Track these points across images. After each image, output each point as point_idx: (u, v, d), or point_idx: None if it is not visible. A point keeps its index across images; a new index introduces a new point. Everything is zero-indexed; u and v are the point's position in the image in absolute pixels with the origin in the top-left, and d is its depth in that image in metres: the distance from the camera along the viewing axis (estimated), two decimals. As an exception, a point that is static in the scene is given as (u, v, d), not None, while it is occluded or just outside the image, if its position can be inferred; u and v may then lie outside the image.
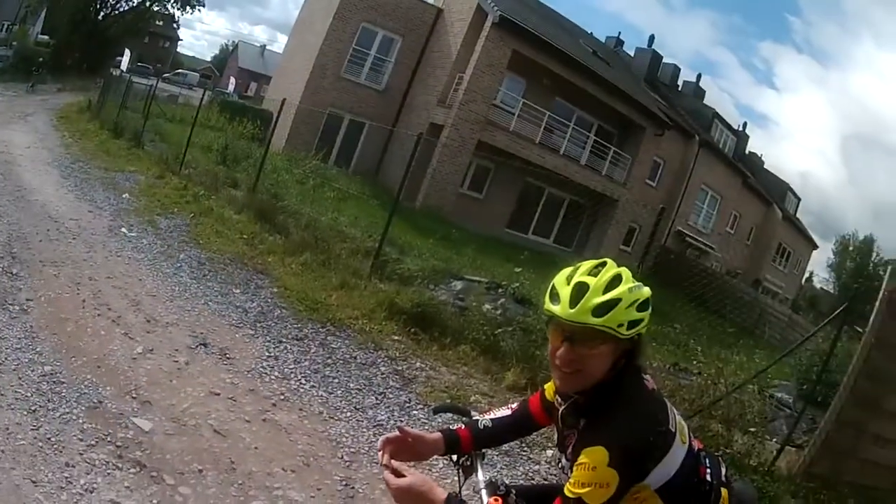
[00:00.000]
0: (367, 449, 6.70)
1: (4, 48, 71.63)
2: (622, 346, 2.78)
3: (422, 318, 10.63)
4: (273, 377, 8.09)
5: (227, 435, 6.50)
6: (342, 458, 6.49)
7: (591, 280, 2.80)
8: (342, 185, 20.20)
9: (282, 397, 7.60)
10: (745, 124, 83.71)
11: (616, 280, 2.79)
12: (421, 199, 31.07)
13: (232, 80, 72.42)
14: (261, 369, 8.23)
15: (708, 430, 8.89)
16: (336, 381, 8.35)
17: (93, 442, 5.98)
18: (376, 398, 8.04)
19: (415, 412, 7.88)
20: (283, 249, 13.39)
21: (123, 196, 16.56)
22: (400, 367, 9.16)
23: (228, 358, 8.37)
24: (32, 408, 6.34)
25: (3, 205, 13.56)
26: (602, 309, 2.73)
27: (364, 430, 7.14)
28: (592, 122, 37.50)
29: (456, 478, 3.31)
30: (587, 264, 2.89)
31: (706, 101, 54.16)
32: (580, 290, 2.78)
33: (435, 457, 3.38)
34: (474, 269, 14.26)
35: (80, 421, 6.27)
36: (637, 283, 2.78)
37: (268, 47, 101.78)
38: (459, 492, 3.16)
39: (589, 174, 35.85)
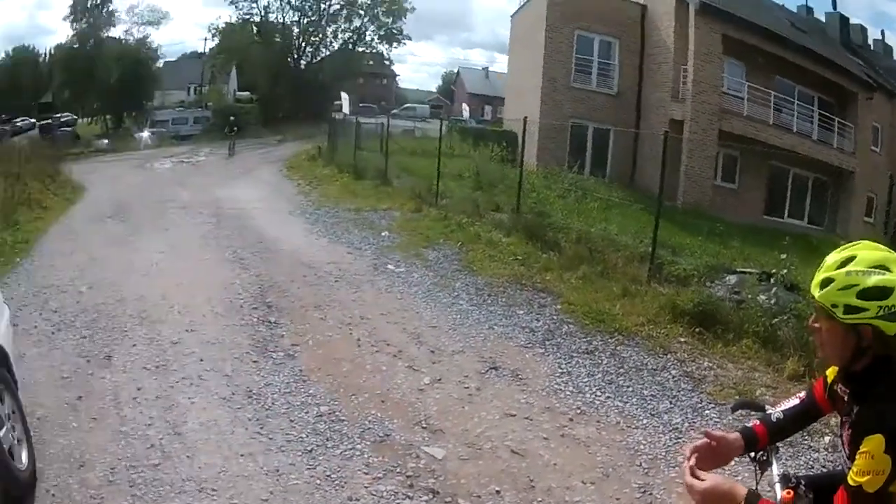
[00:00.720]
0: (664, 454, 6.62)
1: (200, 109, 75.30)
2: (857, 333, 2.74)
3: (703, 317, 10.45)
4: (568, 392, 8.12)
5: (524, 454, 6.56)
6: (640, 465, 6.43)
7: (830, 257, 2.86)
8: (602, 194, 20.16)
9: (578, 411, 7.60)
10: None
11: (846, 262, 2.78)
12: (680, 197, 30.81)
13: (465, 106, 73.16)
14: (555, 386, 8.28)
15: None
16: (630, 389, 8.31)
17: (380, 475, 6.18)
18: (669, 402, 7.94)
19: (707, 412, 7.75)
20: (558, 265, 13.40)
21: (382, 234, 17.06)
22: (689, 369, 9.03)
23: (521, 378, 8.45)
24: (308, 448, 6.62)
25: (246, 258, 14.43)
26: (822, 285, 2.80)
27: (660, 435, 7.04)
28: (812, 94, 35.96)
29: (752, 474, 3.37)
30: (846, 245, 2.90)
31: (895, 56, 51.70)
32: (822, 265, 2.87)
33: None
34: (743, 261, 13.88)
35: (365, 455, 6.49)
36: (869, 270, 2.71)
37: (490, 69, 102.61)
38: (756, 487, 3.16)
39: (822, 148, 34.63)
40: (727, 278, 12.40)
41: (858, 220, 34.02)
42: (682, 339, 10.01)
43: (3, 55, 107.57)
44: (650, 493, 5.96)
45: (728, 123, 32.36)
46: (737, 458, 3.34)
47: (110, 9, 77.16)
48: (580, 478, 6.16)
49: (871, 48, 49.68)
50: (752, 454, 3.33)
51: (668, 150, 14.95)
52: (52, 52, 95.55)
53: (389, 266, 13.82)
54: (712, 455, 3.19)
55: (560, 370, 8.79)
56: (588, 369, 8.84)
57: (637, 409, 7.72)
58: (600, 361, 9.15)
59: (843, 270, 2.74)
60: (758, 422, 3.36)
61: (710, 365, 9.18)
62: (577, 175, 24.35)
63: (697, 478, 2.92)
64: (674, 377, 8.69)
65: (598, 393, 8.11)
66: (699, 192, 31.79)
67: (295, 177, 30.79)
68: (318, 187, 26.84)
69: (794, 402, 3.43)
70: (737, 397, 7.90)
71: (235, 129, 43.55)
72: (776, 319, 9.92)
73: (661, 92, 34.24)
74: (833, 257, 2.83)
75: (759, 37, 33.06)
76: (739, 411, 4.00)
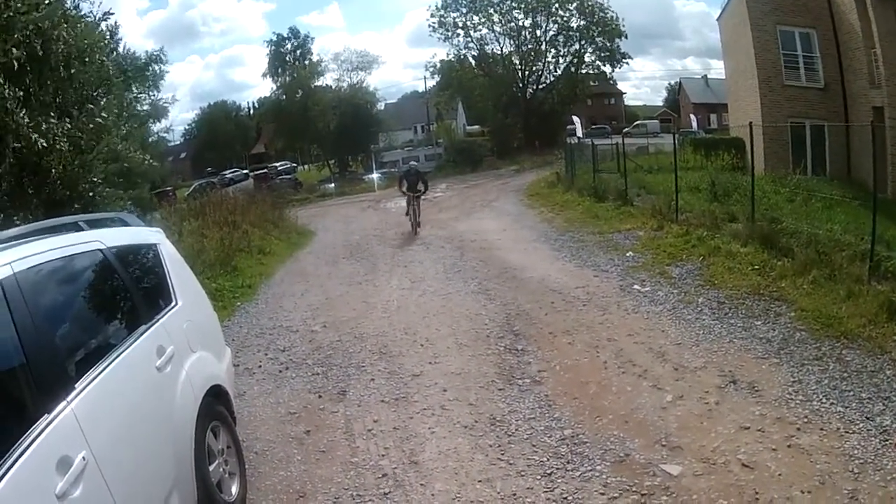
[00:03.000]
0: (872, 458, 6.51)
1: (431, 147, 76.36)
2: None
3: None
4: (797, 401, 8.02)
5: (753, 467, 6.57)
6: (852, 470, 6.36)
7: None
8: (825, 192, 19.63)
9: (805, 420, 7.52)
10: None
11: None
12: (890, 187, 28.93)
13: (692, 117, 71.82)
14: (786, 396, 8.19)
15: None
16: (851, 393, 8.12)
17: (615, 494, 6.35)
18: (883, 404, 7.73)
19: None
20: (792, 272, 13.13)
21: (627, 254, 17.00)
22: (902, 368, 8.72)
23: (757, 390, 8.40)
24: (548, 471, 6.81)
25: (491, 288, 14.64)
26: None
27: (872, 438, 6.92)
28: None
29: None
30: None
31: None
32: None
33: None
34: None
35: (604, 476, 6.65)
36: None
37: (709, 76, 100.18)
38: None
39: None
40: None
41: None
42: (896, 338, 9.65)
43: (196, 113, 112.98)
44: (856, 499, 5.92)
45: (919, 104, 30.32)
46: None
47: (314, 59, 79.57)
48: (799, 487, 6.16)
49: None
50: None
51: (876, 139, 14.43)
52: (256, 105, 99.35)
53: (636, 286, 13.82)
54: None
55: (792, 379, 8.69)
56: (817, 376, 8.70)
57: (855, 413, 7.57)
58: (827, 367, 8.97)
59: None
60: None
61: (919, 362, 8.83)
62: (802, 176, 23.72)
63: None
64: (888, 378, 8.44)
65: (824, 400, 7.99)
66: (907, 179, 29.97)
67: (536, 204, 30.76)
68: (560, 213, 26.76)
69: None
70: None
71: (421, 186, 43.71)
72: None
73: (861, 79, 32.49)
74: None
75: None
76: None
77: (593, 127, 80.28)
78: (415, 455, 7.40)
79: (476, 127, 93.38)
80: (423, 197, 26.44)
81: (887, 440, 6.74)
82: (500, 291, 14.29)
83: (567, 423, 7.93)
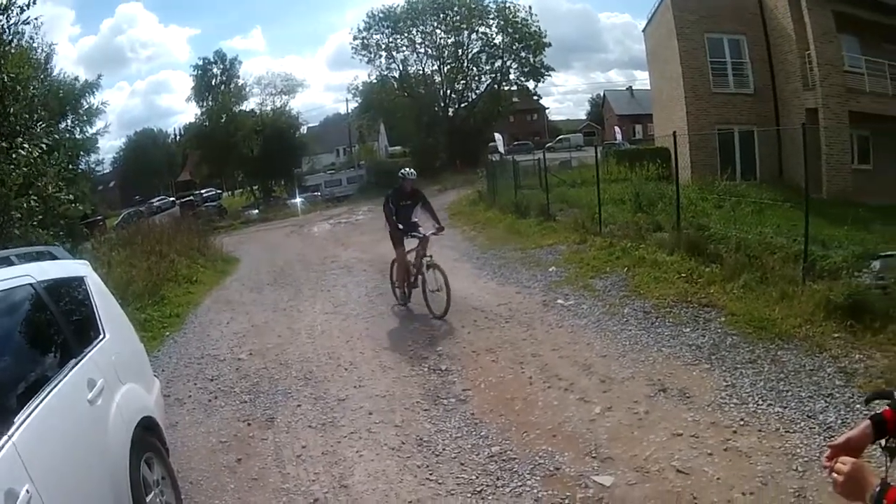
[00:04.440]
0: (817, 455, 6.55)
1: (353, 169, 76.86)
2: None
3: (854, 309, 10.27)
4: (732, 405, 8.12)
5: (690, 472, 6.61)
6: (796, 469, 6.41)
7: None
8: (754, 197, 19.95)
9: (741, 423, 7.61)
10: None
11: None
12: (825, 187, 29.99)
13: (616, 129, 72.82)
14: (720, 400, 8.28)
15: None
16: (789, 393, 8.25)
17: None
18: (825, 401, 7.85)
19: (858, 406, 7.58)
20: (721, 277, 13.35)
21: (550, 269, 17.19)
22: (842, 364, 8.88)
23: (688, 397, 8.49)
24: (478, 489, 6.81)
25: (415, 308, 14.80)
26: None
27: (815, 436, 7.00)
28: None
29: (884, 461, 3.26)
30: None
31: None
32: None
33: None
34: (886, 244, 13.48)
35: (535, 491, 6.65)
36: None
37: (634, 87, 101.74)
38: (887, 474, 3.16)
39: None
40: (872, 264, 12.15)
41: None
42: (836, 335, 9.83)
43: (123, 140, 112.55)
44: (804, 497, 5.95)
45: (856, 103, 31.44)
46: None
47: (239, 84, 79.58)
48: (740, 489, 6.18)
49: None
50: (882, 442, 3.34)
51: (808, 142, 14.70)
52: (182, 131, 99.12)
53: (559, 301, 13.93)
54: (846, 451, 3.24)
55: (725, 383, 8.79)
56: (751, 379, 8.83)
57: (795, 412, 7.67)
58: (762, 369, 9.10)
59: None
60: (887, 408, 3.28)
61: (861, 357, 9.03)
62: (730, 182, 24.09)
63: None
64: (828, 375, 8.58)
65: (761, 402, 8.10)
66: (840, 179, 30.93)
67: (458, 223, 30.92)
68: (483, 231, 27.07)
69: None
70: (882, 386, 7.75)
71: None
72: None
73: (794, 82, 33.50)
74: None
75: (865, 7, 31.83)
76: (874, 402, 4.00)
77: (515, 143, 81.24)
78: (344, 479, 7.39)
79: (398, 148, 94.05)
80: (345, 220, 24.60)
81: (833, 436, 6.67)
82: (422, 313, 14.37)
83: (494, 439, 7.93)
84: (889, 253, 12.40)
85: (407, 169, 15.88)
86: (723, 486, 6.31)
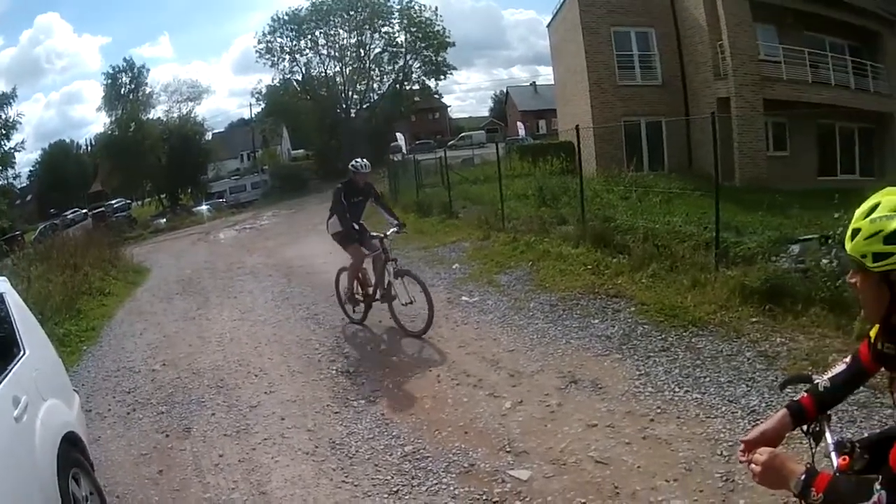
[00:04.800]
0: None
1: (257, 174, 76.82)
2: (888, 282, 2.72)
3: (772, 293, 10.40)
4: (647, 393, 8.14)
5: (608, 462, 6.59)
6: (721, 454, 6.40)
7: (858, 209, 2.82)
8: (662, 187, 20.05)
9: (658, 411, 7.62)
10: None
11: (871, 210, 2.75)
12: (738, 175, 30.79)
13: (519, 125, 73.30)
14: (634, 390, 8.30)
15: None
16: (707, 379, 8.29)
17: None
18: (746, 385, 7.89)
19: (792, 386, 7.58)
20: (629, 268, 13.42)
21: (454, 267, 17.18)
22: (763, 348, 8.97)
23: (600, 388, 8.49)
24: (394, 489, 6.76)
25: (319, 313, 14.72)
26: (850, 236, 2.78)
27: (739, 420, 7.01)
28: (842, 43, 35.33)
29: (808, 446, 3.31)
30: (873, 196, 2.85)
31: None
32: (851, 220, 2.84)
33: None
34: (804, 228, 13.78)
35: (452, 488, 6.59)
36: (892, 214, 2.67)
37: (538, 83, 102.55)
38: (812, 459, 3.13)
39: (861, 96, 33.76)
40: (790, 249, 12.28)
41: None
42: (754, 320, 9.93)
43: (38, 153, 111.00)
44: (732, 480, 5.92)
45: (771, 91, 32.26)
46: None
47: (147, 91, 78.95)
48: (664, 476, 6.16)
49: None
50: (805, 427, 3.32)
51: (719, 129, 14.86)
52: (93, 141, 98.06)
53: (464, 298, 13.89)
54: (763, 442, 3.18)
55: (638, 372, 8.80)
56: (665, 367, 8.85)
57: (715, 398, 7.70)
58: (677, 357, 9.14)
59: (867, 219, 2.72)
60: (805, 394, 3.36)
61: (783, 340, 9.10)
62: (637, 173, 24.27)
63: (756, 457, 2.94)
64: (748, 359, 8.64)
65: (677, 389, 8.12)
66: (754, 166, 31.76)
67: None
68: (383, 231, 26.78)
69: (840, 368, 3.42)
70: (808, 369, 7.78)
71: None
72: (840, 281, 9.80)
73: (704, 72, 34.17)
74: (861, 208, 2.80)
75: None
76: (789, 388, 3.97)
77: (418, 142, 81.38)
78: (262, 486, 7.33)
79: (301, 151, 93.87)
80: (249, 226, 23.64)
81: (758, 419, 6.69)
82: (328, 316, 14.25)
83: (406, 439, 7.87)
84: (808, 237, 12.55)
85: (359, 160, 13.34)
86: (644, 474, 6.28)
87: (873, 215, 2.70)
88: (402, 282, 12.20)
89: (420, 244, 21.54)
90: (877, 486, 2.63)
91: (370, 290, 13.05)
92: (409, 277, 12.15)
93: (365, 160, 13.36)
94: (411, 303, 12.01)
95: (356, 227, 12.97)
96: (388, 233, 12.78)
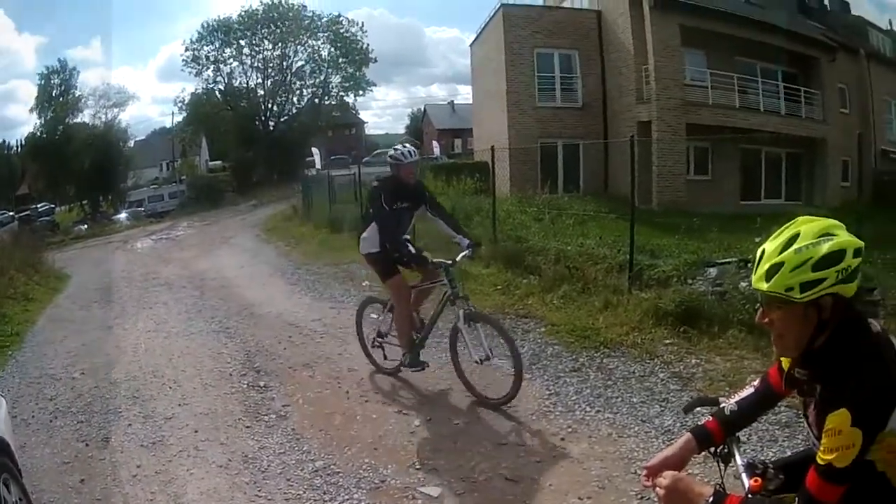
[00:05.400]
0: None
1: (175, 184, 76.37)
2: (817, 308, 2.81)
3: (687, 315, 10.61)
4: (557, 413, 8.23)
5: (519, 480, 6.64)
6: (635, 472, 6.43)
7: (770, 245, 2.90)
8: (577, 209, 20.24)
9: (569, 430, 7.69)
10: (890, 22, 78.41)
11: (790, 241, 2.83)
12: (655, 198, 31.05)
13: (434, 143, 73.32)
14: (544, 409, 8.39)
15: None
16: (619, 399, 8.42)
17: None
18: (660, 406, 8.05)
19: (698, 409, 7.66)
20: (540, 288, 13.54)
21: (364, 284, 17.14)
22: (677, 369, 9.14)
23: (510, 406, 8.53)
24: None
25: (231, 326, 14.54)
26: (769, 274, 2.83)
27: (653, 439, 7.14)
28: (775, 69, 35.96)
29: (717, 468, 3.39)
30: (781, 229, 2.94)
31: (852, 11, 51.85)
32: (760, 256, 2.92)
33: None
34: (723, 252, 14.03)
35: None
36: (817, 240, 2.79)
37: (455, 101, 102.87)
38: (722, 481, 3.23)
39: (791, 121, 34.46)
40: (707, 272, 12.50)
41: (836, 186, 34.16)
42: (668, 341, 10.13)
43: None
44: (647, 498, 5.98)
45: (695, 115, 32.66)
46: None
47: (76, 95, 78.21)
48: (576, 495, 6.22)
49: (828, 8, 49.64)
50: (713, 449, 3.40)
51: (639, 153, 15.05)
52: (24, 143, 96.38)
53: (372, 315, 13.72)
54: (668, 467, 3.22)
55: (548, 392, 8.92)
56: (576, 387, 8.98)
57: (628, 418, 7.82)
58: (588, 377, 9.28)
59: (791, 250, 2.79)
60: (710, 417, 3.46)
61: (698, 362, 9.30)
62: (551, 195, 24.47)
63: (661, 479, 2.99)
64: (661, 380, 8.80)
65: (588, 409, 8.24)
66: (673, 189, 32.04)
67: (273, 239, 30.98)
68: (297, 247, 27.10)
69: (748, 391, 3.52)
70: (725, 390, 7.92)
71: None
72: (758, 305, 9.98)
73: (627, 96, 34.40)
74: (773, 244, 2.88)
75: (714, 20, 33.27)
76: (696, 410, 4.02)
77: (333, 157, 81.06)
78: (179, 498, 7.28)
79: (218, 162, 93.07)
80: (165, 236, 22.51)
81: (672, 439, 6.74)
82: (239, 329, 14.20)
83: (317, 454, 7.87)
84: (726, 260, 12.76)
85: (403, 146, 10.00)
86: (556, 492, 6.35)
87: (796, 245, 2.79)
88: (477, 330, 9.09)
89: (331, 260, 21.60)
90: None
91: (416, 335, 9.89)
92: (487, 325, 9.19)
93: (409, 146, 10.02)
94: (487, 359, 8.91)
95: (410, 247, 9.88)
96: (458, 258, 9.75)
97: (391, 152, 9.93)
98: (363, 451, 7.76)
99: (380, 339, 10.35)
